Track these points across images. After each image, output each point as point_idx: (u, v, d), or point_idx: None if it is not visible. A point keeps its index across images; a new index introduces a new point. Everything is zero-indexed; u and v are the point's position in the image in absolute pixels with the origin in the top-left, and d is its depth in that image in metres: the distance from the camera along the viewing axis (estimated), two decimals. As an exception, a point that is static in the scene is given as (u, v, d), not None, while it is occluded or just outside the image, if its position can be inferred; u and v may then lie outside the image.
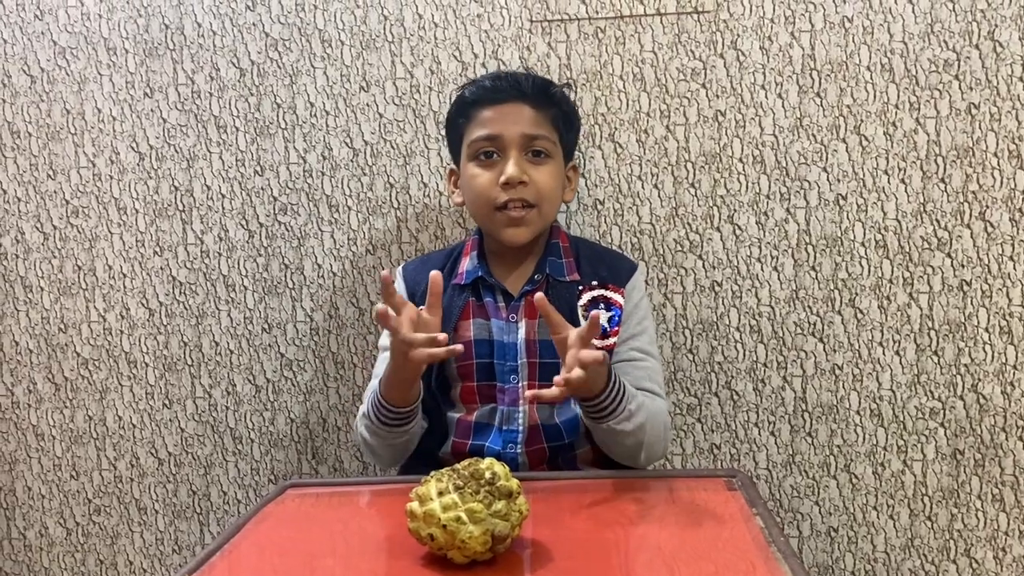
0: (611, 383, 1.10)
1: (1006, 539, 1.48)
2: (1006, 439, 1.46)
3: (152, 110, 1.56)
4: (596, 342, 1.23)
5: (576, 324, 1.23)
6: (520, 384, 1.24)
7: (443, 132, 1.39)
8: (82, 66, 1.56)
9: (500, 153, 1.24)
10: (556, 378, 1.02)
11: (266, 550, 0.96)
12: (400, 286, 1.33)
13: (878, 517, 1.50)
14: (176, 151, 1.56)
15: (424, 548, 0.88)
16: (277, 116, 1.54)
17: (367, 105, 1.52)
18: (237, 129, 1.55)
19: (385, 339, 1.30)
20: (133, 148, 1.57)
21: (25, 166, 1.59)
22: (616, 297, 1.25)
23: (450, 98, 1.47)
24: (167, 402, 1.62)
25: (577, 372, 1.01)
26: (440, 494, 0.86)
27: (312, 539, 0.99)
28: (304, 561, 0.93)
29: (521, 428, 1.23)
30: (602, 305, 1.25)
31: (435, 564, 0.88)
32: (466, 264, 1.30)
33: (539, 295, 1.07)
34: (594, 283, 1.26)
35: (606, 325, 1.24)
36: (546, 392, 1.03)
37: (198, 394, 1.61)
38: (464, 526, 0.83)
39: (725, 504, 1.00)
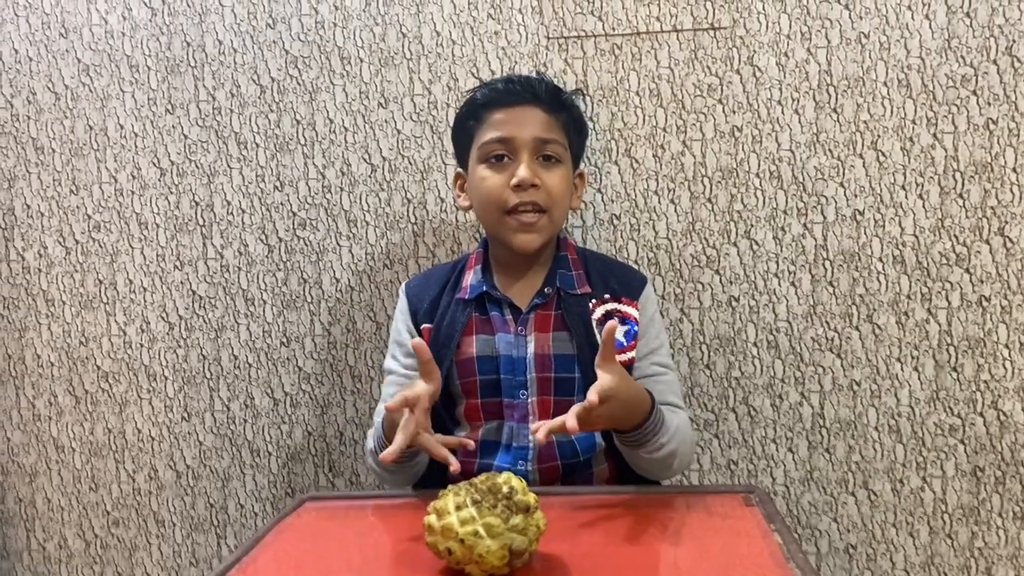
0: (652, 415, 1.10)
1: (1027, 557, 1.47)
2: (1027, 456, 1.45)
3: (173, 126, 1.58)
4: None
5: (591, 337, 1.23)
6: (530, 400, 1.23)
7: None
8: (105, 83, 1.58)
9: (511, 156, 1.23)
10: (569, 417, 1.00)
11: (284, 563, 0.97)
12: (403, 304, 1.32)
13: (897, 534, 1.49)
14: (197, 166, 1.58)
15: (442, 562, 0.88)
16: (296, 132, 1.55)
17: (385, 121, 1.54)
18: (257, 145, 1.57)
19: (390, 362, 1.31)
20: (154, 164, 1.59)
21: (48, 181, 1.61)
22: (630, 311, 1.25)
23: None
24: (186, 415, 1.63)
25: (589, 403, 1.00)
26: (458, 508, 0.86)
27: (329, 552, 0.99)
28: (322, 574, 0.93)
29: (532, 444, 1.21)
30: (616, 319, 1.25)
31: (452, 574, 0.88)
32: (470, 278, 1.29)
33: (611, 323, 1.05)
34: (606, 296, 1.26)
35: (622, 340, 1.24)
36: (555, 422, 1.02)
37: (216, 407, 1.62)
38: (482, 540, 0.84)
39: (743, 520, 1.00)
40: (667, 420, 1.13)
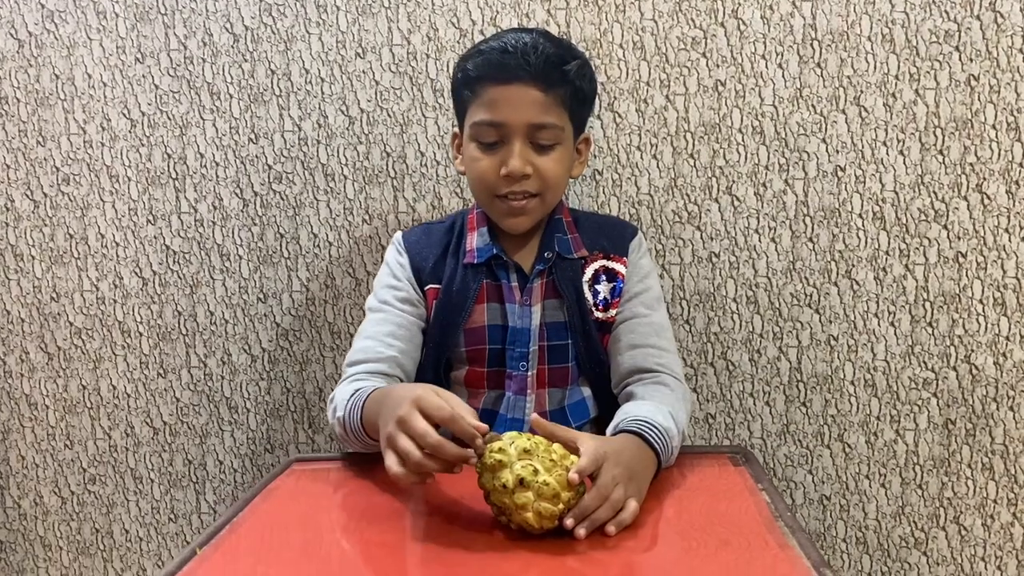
0: (658, 449, 1.01)
1: (994, 507, 1.50)
2: (997, 409, 1.48)
3: (144, 76, 1.53)
4: (599, 314, 1.24)
5: (581, 302, 1.23)
6: (529, 373, 1.21)
7: (442, 98, 1.35)
8: (71, 30, 1.53)
9: (503, 140, 1.16)
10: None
11: (273, 525, 0.96)
12: (403, 258, 1.27)
13: (870, 485, 1.53)
14: (168, 118, 1.54)
15: (433, 523, 0.88)
16: (271, 83, 1.51)
17: (363, 72, 1.50)
18: (231, 96, 1.52)
19: (372, 300, 1.25)
20: (124, 115, 1.54)
21: (14, 132, 1.56)
22: (618, 267, 1.25)
23: (448, 65, 1.46)
24: (162, 371, 1.61)
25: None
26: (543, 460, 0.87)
27: (319, 514, 0.99)
28: (312, 535, 0.93)
29: (526, 418, 1.20)
30: (604, 277, 1.24)
31: (444, 535, 0.89)
32: (475, 241, 1.24)
33: (534, 416, 0.96)
34: (596, 252, 1.25)
35: (607, 297, 1.24)
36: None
37: (193, 364, 1.60)
38: (564, 492, 0.86)
39: (730, 480, 1.01)
40: (669, 430, 1.04)
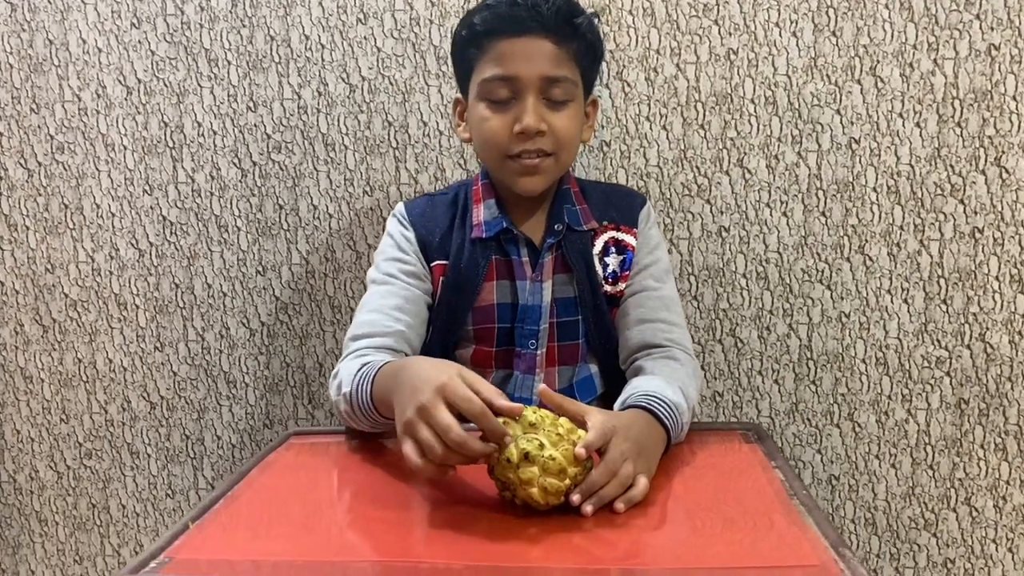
0: (668, 425, 0.98)
1: (1007, 488, 1.48)
2: (1011, 388, 1.45)
3: (140, 41, 1.49)
4: (608, 288, 1.20)
5: (592, 276, 1.19)
6: (539, 351, 1.17)
7: (448, 60, 1.30)
8: (65, -7, 1.49)
9: (515, 95, 1.10)
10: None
11: (269, 499, 0.94)
12: (408, 232, 1.20)
13: (880, 465, 1.50)
14: (165, 85, 1.50)
15: (430, 497, 0.86)
16: (270, 49, 1.47)
17: (364, 38, 1.46)
18: (229, 63, 1.49)
19: (375, 272, 1.20)
20: (120, 82, 1.51)
21: (7, 99, 1.53)
22: (628, 239, 1.21)
23: (452, 32, 1.41)
24: (159, 345, 1.58)
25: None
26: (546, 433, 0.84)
27: (316, 488, 0.97)
28: (309, 509, 0.90)
29: (534, 398, 1.17)
30: (614, 250, 1.21)
31: (445, 510, 0.86)
32: (482, 213, 1.18)
33: (542, 387, 0.92)
34: (605, 223, 1.21)
35: (617, 270, 1.21)
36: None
37: (190, 337, 1.57)
38: (570, 467, 0.82)
39: (743, 457, 0.98)
40: (679, 406, 1.01)
